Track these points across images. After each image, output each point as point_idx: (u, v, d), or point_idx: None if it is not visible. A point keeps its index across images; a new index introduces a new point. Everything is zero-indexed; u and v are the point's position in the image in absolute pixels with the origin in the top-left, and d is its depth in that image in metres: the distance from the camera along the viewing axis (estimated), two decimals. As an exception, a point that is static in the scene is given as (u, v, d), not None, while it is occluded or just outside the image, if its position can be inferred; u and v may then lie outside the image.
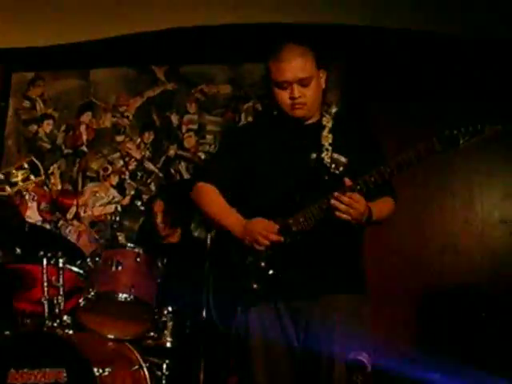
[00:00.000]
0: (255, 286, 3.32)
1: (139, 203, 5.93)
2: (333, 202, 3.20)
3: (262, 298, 3.34)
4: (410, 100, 5.62)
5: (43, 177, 3.28)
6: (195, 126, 6.00)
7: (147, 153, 6.06)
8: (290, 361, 3.33)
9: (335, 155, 3.36)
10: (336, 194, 3.19)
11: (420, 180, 5.38)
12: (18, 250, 4.73)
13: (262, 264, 3.32)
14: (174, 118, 6.06)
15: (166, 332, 4.52)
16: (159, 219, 5.21)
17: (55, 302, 4.44)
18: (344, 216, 3.21)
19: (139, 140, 6.10)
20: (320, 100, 3.51)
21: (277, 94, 3.42)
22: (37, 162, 3.28)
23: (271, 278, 3.31)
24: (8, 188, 3.19)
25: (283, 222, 3.32)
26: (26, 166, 3.22)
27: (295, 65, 3.36)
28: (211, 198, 3.51)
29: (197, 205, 3.59)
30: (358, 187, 3.22)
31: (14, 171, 3.20)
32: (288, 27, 5.73)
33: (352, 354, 2.65)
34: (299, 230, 3.29)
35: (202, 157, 5.91)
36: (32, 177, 3.22)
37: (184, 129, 6.02)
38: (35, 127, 6.36)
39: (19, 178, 3.19)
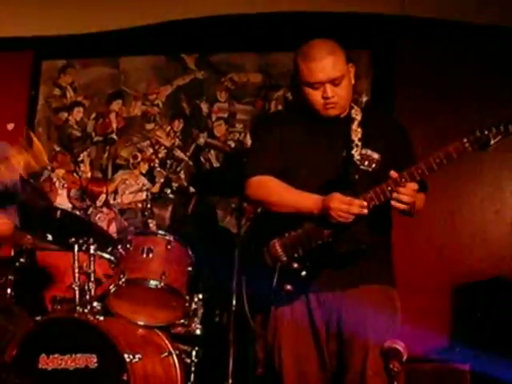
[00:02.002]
0: (288, 287, 3.31)
1: (169, 191, 5.94)
2: (406, 191, 3.14)
3: (295, 297, 3.35)
4: (438, 88, 5.60)
5: None
6: (225, 115, 5.99)
7: (177, 141, 6.06)
8: (318, 356, 3.35)
9: (368, 151, 3.34)
10: (407, 184, 3.15)
11: (450, 170, 5.34)
12: (50, 237, 4.76)
13: (295, 265, 3.32)
14: (204, 107, 6.05)
15: (195, 319, 4.54)
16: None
17: (86, 288, 4.47)
18: (405, 202, 3.17)
19: (169, 128, 6.10)
20: (352, 95, 3.47)
21: (308, 95, 3.38)
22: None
23: (304, 279, 3.31)
24: None
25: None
26: None
27: (326, 64, 3.30)
28: (278, 186, 3.42)
29: (260, 199, 3.50)
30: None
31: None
32: (316, 15, 5.71)
33: (388, 342, 2.65)
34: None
35: (232, 145, 5.91)
36: None
37: (214, 117, 6.01)
38: (65, 115, 6.38)
39: None
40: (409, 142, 3.48)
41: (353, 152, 3.34)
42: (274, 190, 3.43)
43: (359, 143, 3.36)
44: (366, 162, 3.31)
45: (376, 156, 3.32)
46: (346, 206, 3.19)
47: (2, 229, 3.96)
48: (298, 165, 3.42)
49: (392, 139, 3.41)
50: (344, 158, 3.36)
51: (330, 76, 3.30)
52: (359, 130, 3.40)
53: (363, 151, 3.34)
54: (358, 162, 3.32)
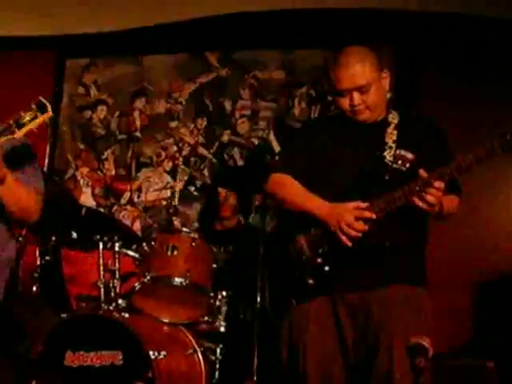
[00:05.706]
0: (311, 281, 3.33)
1: (193, 188, 5.96)
2: (432, 190, 3.11)
3: (317, 293, 3.35)
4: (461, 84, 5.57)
5: (50, 113, 3.25)
6: (248, 112, 6.01)
7: (200, 138, 6.08)
8: (343, 356, 3.32)
9: (402, 152, 3.33)
10: (434, 182, 3.11)
11: (475, 167, 5.32)
12: (74, 235, 4.78)
13: (319, 260, 3.32)
14: (228, 104, 6.06)
15: (220, 317, 4.54)
16: (223, 199, 5.22)
17: (111, 285, 4.49)
18: (430, 202, 3.14)
19: (192, 126, 6.12)
20: (384, 102, 3.44)
21: (338, 101, 3.39)
22: (44, 101, 3.26)
23: (327, 274, 3.31)
24: (17, 131, 3.19)
25: None
26: (33, 106, 3.22)
27: (353, 72, 3.29)
28: (291, 185, 3.47)
29: (274, 194, 3.58)
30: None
31: (22, 114, 3.21)
32: (339, 12, 5.71)
33: (414, 338, 2.64)
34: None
35: (256, 142, 5.92)
36: (39, 114, 3.21)
37: (237, 114, 6.02)
38: (89, 113, 6.42)
39: (27, 118, 3.20)
40: (445, 145, 3.45)
41: (385, 154, 3.34)
42: (287, 189, 3.49)
43: (393, 145, 3.35)
44: (400, 161, 3.30)
45: (410, 156, 3.31)
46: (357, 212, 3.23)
47: (26, 203, 3.35)
48: (329, 168, 3.42)
49: (428, 141, 3.38)
50: (375, 160, 3.35)
51: (356, 84, 3.30)
52: (394, 132, 3.39)
53: (397, 152, 3.34)
54: (390, 163, 3.32)
